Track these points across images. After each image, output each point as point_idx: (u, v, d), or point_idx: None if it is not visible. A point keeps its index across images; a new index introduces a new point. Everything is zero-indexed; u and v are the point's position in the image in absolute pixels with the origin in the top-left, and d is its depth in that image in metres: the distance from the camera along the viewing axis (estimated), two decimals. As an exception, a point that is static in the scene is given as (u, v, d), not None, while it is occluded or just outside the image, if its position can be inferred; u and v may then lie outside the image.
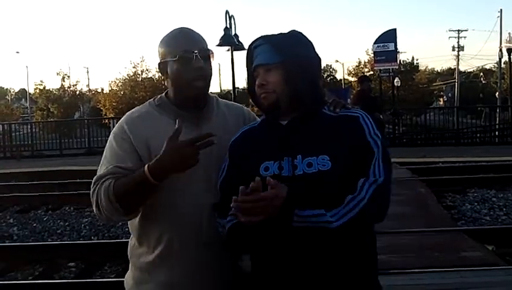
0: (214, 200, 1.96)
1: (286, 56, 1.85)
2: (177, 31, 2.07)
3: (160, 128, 1.98)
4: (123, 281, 2.25)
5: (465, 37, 59.42)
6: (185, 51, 1.98)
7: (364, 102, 9.56)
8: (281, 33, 1.94)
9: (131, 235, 2.19)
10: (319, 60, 1.97)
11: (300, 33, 1.95)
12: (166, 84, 2.12)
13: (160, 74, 2.18)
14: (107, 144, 2.05)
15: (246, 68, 2.00)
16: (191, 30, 2.07)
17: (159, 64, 2.08)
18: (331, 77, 67.17)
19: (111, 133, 2.08)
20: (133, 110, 2.14)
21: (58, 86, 42.99)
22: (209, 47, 2.07)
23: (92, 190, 1.98)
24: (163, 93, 2.14)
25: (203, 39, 2.08)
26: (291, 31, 1.95)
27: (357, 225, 1.75)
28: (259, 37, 1.94)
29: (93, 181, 1.98)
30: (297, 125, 1.86)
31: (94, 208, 2.00)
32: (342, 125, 1.84)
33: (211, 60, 2.05)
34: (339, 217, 1.69)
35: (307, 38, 1.94)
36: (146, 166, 1.86)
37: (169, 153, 1.83)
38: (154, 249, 2.06)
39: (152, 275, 2.07)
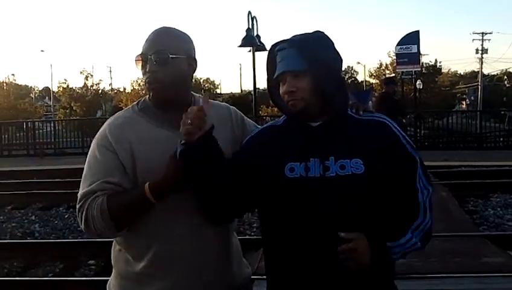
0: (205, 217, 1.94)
1: (314, 62, 1.81)
2: (154, 31, 1.99)
3: (143, 133, 1.95)
4: None
5: (489, 40, 58.74)
6: (142, 54, 1.95)
7: (387, 105, 9.40)
8: (304, 34, 1.90)
9: (114, 242, 2.12)
10: (342, 60, 1.95)
11: (324, 34, 1.92)
12: None
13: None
14: (90, 154, 1.98)
15: (266, 70, 1.96)
16: (163, 30, 1.99)
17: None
18: (353, 79, 66.96)
19: (93, 141, 2.01)
20: (116, 115, 2.09)
21: (81, 85, 43.34)
22: (179, 48, 1.96)
23: (79, 205, 1.93)
24: (147, 96, 2.06)
25: (176, 40, 1.98)
26: (315, 32, 1.92)
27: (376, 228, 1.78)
28: (284, 40, 1.90)
29: (79, 196, 1.94)
30: (329, 127, 1.85)
31: (81, 225, 1.95)
32: (374, 130, 1.85)
33: (174, 62, 1.93)
34: (420, 238, 1.82)
35: (330, 39, 1.91)
36: (147, 186, 1.85)
37: (173, 173, 1.83)
38: (142, 259, 1.98)
39: (143, 285, 2.00)
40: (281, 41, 1.91)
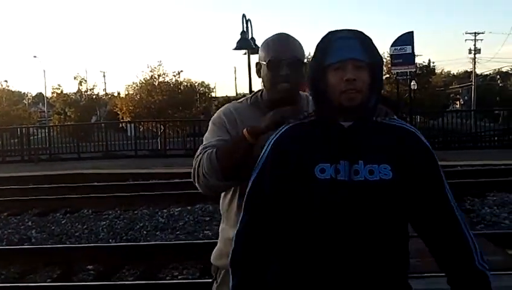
0: None
1: (373, 58, 1.80)
2: (275, 37, 2.23)
3: (249, 117, 2.22)
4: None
5: (481, 40, 58.76)
6: (275, 58, 2.16)
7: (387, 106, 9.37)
8: (358, 30, 1.85)
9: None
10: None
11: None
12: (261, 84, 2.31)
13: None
14: (208, 129, 2.32)
15: (313, 58, 1.85)
16: (287, 37, 2.23)
17: (256, 64, 2.28)
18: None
19: (210, 121, 2.34)
20: (231, 103, 2.41)
21: (75, 90, 43.25)
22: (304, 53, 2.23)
23: (195, 160, 2.22)
24: (260, 92, 2.34)
25: (297, 47, 2.21)
26: (361, 31, 1.86)
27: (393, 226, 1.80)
28: (343, 29, 1.83)
29: (197, 152, 2.24)
30: (360, 129, 1.81)
31: (193, 178, 2.23)
32: (403, 137, 1.83)
33: (301, 67, 2.18)
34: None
35: None
36: (245, 129, 2.11)
37: (268, 122, 2.05)
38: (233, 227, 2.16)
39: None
40: (341, 30, 1.84)
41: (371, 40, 1.83)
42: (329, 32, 1.84)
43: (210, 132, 2.31)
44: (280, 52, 2.17)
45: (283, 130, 1.90)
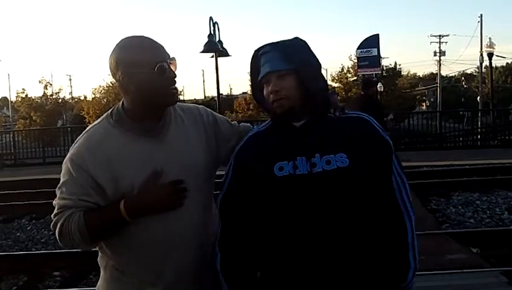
0: (194, 221, 2.01)
1: (297, 62, 1.90)
2: (140, 40, 1.96)
3: (120, 146, 1.95)
4: None
5: (446, 42, 60.03)
6: (160, 62, 1.92)
7: (370, 109, 9.27)
8: (284, 40, 1.98)
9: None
10: (320, 65, 2.04)
11: (304, 40, 2.00)
12: (126, 96, 2.00)
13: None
14: (65, 167, 1.96)
15: (250, 74, 2.03)
16: (151, 38, 1.99)
17: (123, 76, 1.93)
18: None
19: (68, 155, 1.97)
20: (91, 129, 2.03)
21: (41, 94, 42.65)
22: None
23: (55, 218, 1.95)
24: (119, 106, 2.03)
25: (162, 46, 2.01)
26: (294, 38, 2.00)
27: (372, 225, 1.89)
28: (266, 44, 1.99)
29: (56, 207, 1.96)
30: (312, 126, 1.92)
31: (57, 236, 1.97)
32: (354, 125, 1.94)
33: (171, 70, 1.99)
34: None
35: (309, 46, 2.00)
36: (122, 204, 1.88)
37: (153, 195, 1.90)
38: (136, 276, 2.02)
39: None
40: (263, 45, 1.99)
41: (298, 44, 1.96)
42: (255, 50, 2.00)
43: (69, 178, 1.94)
44: (162, 55, 1.96)
45: (244, 140, 2.05)
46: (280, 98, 1.90)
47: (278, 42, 1.98)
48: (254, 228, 1.95)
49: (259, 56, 1.98)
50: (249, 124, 2.36)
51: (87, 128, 2.05)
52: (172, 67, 1.97)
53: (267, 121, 2.06)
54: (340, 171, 1.82)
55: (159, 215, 1.94)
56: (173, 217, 1.95)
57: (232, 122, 2.29)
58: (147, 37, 1.99)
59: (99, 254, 2.10)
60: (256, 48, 2.00)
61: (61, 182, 1.97)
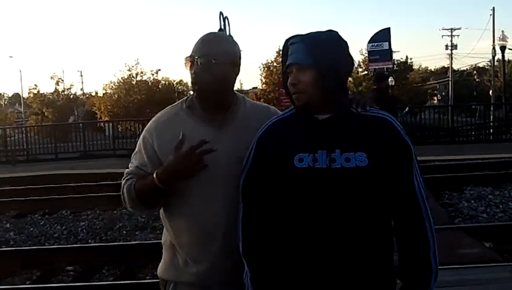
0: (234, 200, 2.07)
1: (318, 58, 1.90)
2: (201, 37, 2.14)
3: (186, 129, 2.10)
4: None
5: (458, 36, 59.57)
6: (190, 56, 2.11)
7: (383, 103, 9.22)
8: (317, 32, 1.98)
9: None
10: (352, 62, 2.02)
11: (337, 34, 1.99)
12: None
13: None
14: (139, 140, 2.23)
15: (281, 63, 2.05)
16: (211, 35, 2.15)
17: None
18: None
19: (144, 130, 2.24)
20: (164, 110, 2.28)
21: (52, 90, 42.84)
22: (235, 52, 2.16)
23: (122, 183, 2.22)
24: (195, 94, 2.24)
25: (221, 46, 2.13)
26: (328, 31, 1.99)
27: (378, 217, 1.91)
28: (296, 35, 1.99)
29: (124, 174, 2.23)
30: (335, 121, 1.93)
31: (121, 196, 2.23)
32: (378, 126, 1.93)
33: (217, 66, 2.09)
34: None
35: (343, 41, 1.99)
36: (155, 173, 2.05)
37: (174, 161, 2.01)
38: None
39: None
40: (294, 36, 2.00)
41: (326, 40, 1.94)
42: (286, 40, 2.02)
43: (136, 153, 2.25)
44: (196, 51, 2.12)
45: (266, 126, 2.05)
46: (298, 92, 1.93)
47: (307, 34, 1.97)
48: (272, 213, 1.98)
49: (287, 46, 2.00)
50: None
51: (164, 109, 2.29)
52: (197, 65, 2.09)
53: (291, 108, 2.07)
54: (358, 170, 1.84)
55: (205, 197, 2.11)
56: (216, 202, 2.11)
57: None
58: (209, 34, 2.16)
59: (164, 230, 2.32)
60: (287, 38, 2.01)
61: (134, 151, 2.25)
